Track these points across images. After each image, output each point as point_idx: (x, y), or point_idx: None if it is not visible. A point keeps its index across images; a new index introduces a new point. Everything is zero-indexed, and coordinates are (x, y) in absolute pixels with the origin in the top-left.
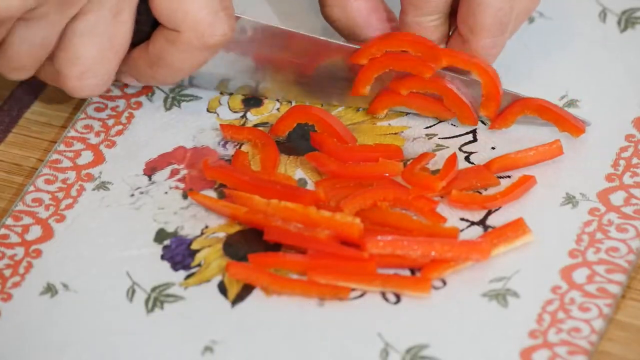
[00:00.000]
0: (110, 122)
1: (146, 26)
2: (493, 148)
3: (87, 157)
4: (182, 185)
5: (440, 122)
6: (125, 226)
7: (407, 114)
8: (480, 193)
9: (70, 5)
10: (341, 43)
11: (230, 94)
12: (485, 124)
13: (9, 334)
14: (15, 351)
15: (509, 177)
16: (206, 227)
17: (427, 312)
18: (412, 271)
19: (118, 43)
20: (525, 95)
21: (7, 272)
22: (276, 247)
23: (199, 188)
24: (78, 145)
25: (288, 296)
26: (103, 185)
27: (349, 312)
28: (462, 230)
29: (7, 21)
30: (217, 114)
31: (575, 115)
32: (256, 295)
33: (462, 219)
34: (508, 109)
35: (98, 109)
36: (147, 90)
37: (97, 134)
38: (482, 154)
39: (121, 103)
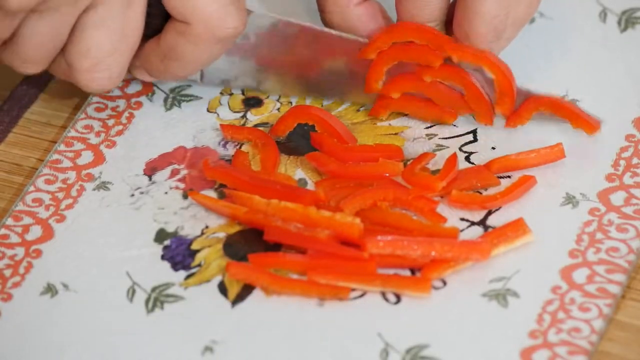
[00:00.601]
0: (111, 122)
1: (158, 19)
2: (493, 148)
3: (87, 157)
4: (182, 185)
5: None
6: (125, 226)
7: (408, 113)
8: (480, 193)
9: None
10: (349, 36)
11: (231, 94)
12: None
13: (9, 334)
14: (15, 351)
15: (509, 177)
16: (206, 227)
17: (427, 312)
18: (412, 271)
19: (130, 35)
20: (537, 92)
21: (7, 272)
22: (276, 247)
23: (199, 188)
24: (78, 145)
25: (288, 296)
26: (103, 185)
27: (349, 312)
28: (462, 230)
29: (19, 13)
30: (217, 114)
31: (589, 113)
32: (256, 295)
33: (462, 219)
34: (523, 106)
35: (98, 109)
36: (147, 90)
37: (97, 134)
38: (482, 154)
39: (121, 103)
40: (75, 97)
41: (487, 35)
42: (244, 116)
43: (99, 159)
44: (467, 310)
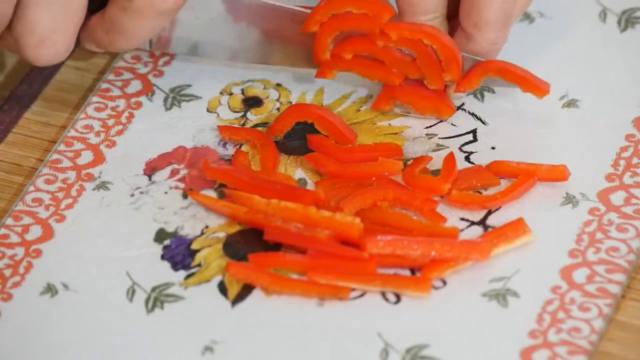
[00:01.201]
0: (110, 122)
1: None
2: (493, 148)
3: (87, 157)
4: (182, 185)
5: (440, 121)
6: (125, 226)
7: (408, 114)
8: (480, 193)
9: None
10: (298, 8)
11: (231, 94)
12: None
13: (9, 334)
14: (15, 351)
15: None
16: (206, 227)
17: (427, 312)
18: (412, 271)
19: (73, 10)
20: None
21: (7, 272)
22: (276, 247)
23: (199, 188)
24: (78, 145)
25: (288, 296)
26: (103, 185)
27: (349, 312)
28: (462, 230)
29: None
30: (217, 114)
31: (537, 76)
32: (256, 295)
33: (462, 219)
34: (471, 71)
35: (98, 109)
36: (147, 90)
37: (97, 134)
38: (482, 154)
39: (121, 103)
40: (75, 97)
41: (496, 23)
42: (244, 116)
43: (99, 158)
44: (467, 310)
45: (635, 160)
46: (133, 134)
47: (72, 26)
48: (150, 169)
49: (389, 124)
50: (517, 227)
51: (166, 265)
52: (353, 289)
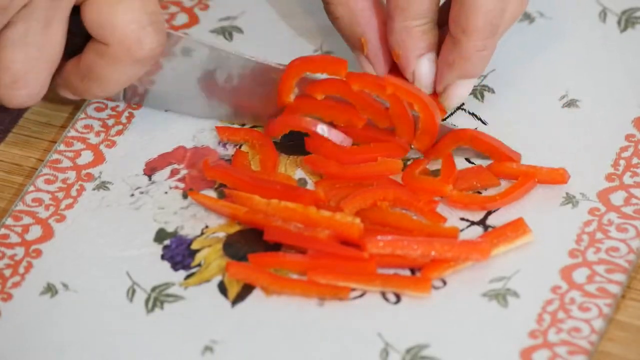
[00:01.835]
0: (110, 122)
1: (79, 38)
2: None
3: (87, 157)
4: (182, 185)
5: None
6: (125, 226)
7: None
8: (480, 193)
9: None
10: (273, 64)
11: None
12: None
13: (9, 334)
14: (15, 351)
15: None
16: (206, 227)
17: (427, 312)
18: (412, 271)
19: (49, 53)
20: (456, 127)
21: (7, 272)
22: (276, 247)
23: (199, 188)
24: (78, 145)
25: (288, 296)
26: (103, 185)
27: (349, 312)
28: (462, 230)
29: None
30: None
31: (509, 147)
32: (256, 295)
33: (462, 219)
34: (442, 141)
35: (98, 109)
36: None
37: (97, 134)
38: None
39: (121, 103)
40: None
41: (484, 30)
42: None
43: (99, 158)
44: (467, 310)
45: (635, 160)
46: (133, 134)
47: (47, 68)
48: (150, 169)
49: None
50: (517, 227)
51: (166, 265)
52: (353, 289)
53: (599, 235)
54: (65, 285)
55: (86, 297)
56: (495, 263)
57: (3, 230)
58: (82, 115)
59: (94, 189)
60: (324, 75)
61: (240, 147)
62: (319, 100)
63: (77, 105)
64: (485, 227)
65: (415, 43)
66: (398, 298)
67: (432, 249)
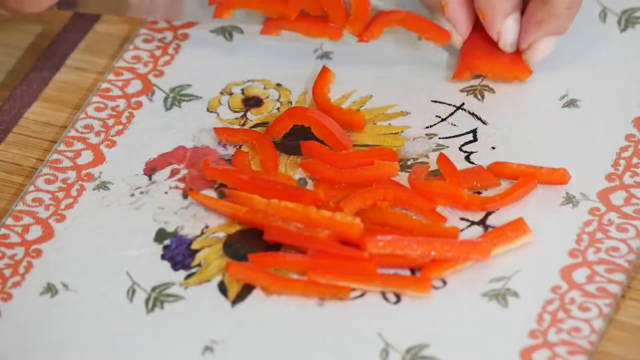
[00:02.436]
0: (110, 122)
1: None
2: (493, 148)
3: (87, 157)
4: (182, 185)
5: (440, 121)
6: (125, 226)
7: (408, 113)
8: (480, 193)
9: None
10: None
11: (231, 94)
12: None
13: (9, 334)
14: (15, 351)
15: None
16: (206, 227)
17: (427, 312)
18: (412, 271)
19: None
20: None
21: (7, 272)
22: (276, 247)
23: (199, 188)
24: (78, 145)
25: (288, 296)
26: (103, 185)
27: (349, 312)
28: (462, 230)
29: None
30: (217, 114)
31: (438, 25)
32: (256, 295)
33: (462, 219)
34: (374, 22)
35: (98, 109)
36: (147, 90)
37: (97, 134)
38: (482, 154)
39: (121, 103)
40: (75, 97)
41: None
42: (243, 116)
43: (99, 158)
44: (467, 310)
45: (635, 160)
46: (133, 134)
47: None
48: (150, 169)
49: (389, 124)
50: (517, 227)
51: (166, 265)
52: (353, 289)
53: (599, 235)
54: (65, 285)
55: (86, 297)
56: (495, 263)
57: (3, 230)
58: (82, 115)
59: (94, 189)
60: None
61: (240, 147)
62: None
63: (77, 105)
64: (485, 227)
65: (502, 3)
66: (398, 298)
67: (432, 249)
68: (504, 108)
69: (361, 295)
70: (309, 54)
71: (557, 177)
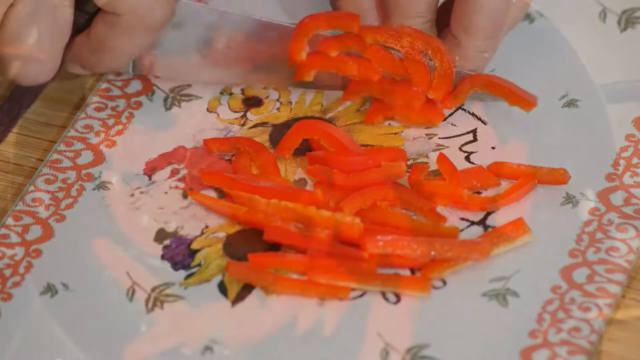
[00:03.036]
0: (110, 122)
1: (87, 12)
2: (493, 148)
3: (87, 157)
4: (182, 185)
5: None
6: (125, 226)
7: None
8: (480, 193)
9: None
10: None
11: (231, 94)
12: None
13: (9, 334)
14: (15, 351)
15: None
16: (206, 227)
17: (427, 312)
18: (412, 271)
19: (59, 28)
20: (469, 72)
21: (7, 272)
22: (276, 247)
23: (199, 188)
24: (78, 145)
25: (288, 296)
26: (103, 185)
27: (349, 312)
28: (462, 230)
29: None
30: (217, 114)
31: (525, 90)
32: (256, 295)
33: (462, 219)
34: (458, 87)
35: (98, 109)
36: (147, 90)
37: (97, 134)
38: (482, 153)
39: (121, 103)
40: (75, 97)
41: (485, 30)
42: (243, 116)
43: (99, 158)
44: (467, 310)
45: (635, 160)
46: (133, 134)
47: (58, 44)
48: (150, 169)
49: (389, 124)
50: (517, 227)
51: (166, 265)
52: (353, 289)
53: (599, 235)
54: (65, 285)
55: (86, 297)
56: (495, 263)
57: (3, 230)
58: (82, 115)
59: (94, 189)
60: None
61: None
62: (333, 57)
63: (77, 105)
64: (485, 227)
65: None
66: (398, 298)
67: (432, 249)
68: (504, 108)
69: (361, 295)
70: None
71: (557, 177)
